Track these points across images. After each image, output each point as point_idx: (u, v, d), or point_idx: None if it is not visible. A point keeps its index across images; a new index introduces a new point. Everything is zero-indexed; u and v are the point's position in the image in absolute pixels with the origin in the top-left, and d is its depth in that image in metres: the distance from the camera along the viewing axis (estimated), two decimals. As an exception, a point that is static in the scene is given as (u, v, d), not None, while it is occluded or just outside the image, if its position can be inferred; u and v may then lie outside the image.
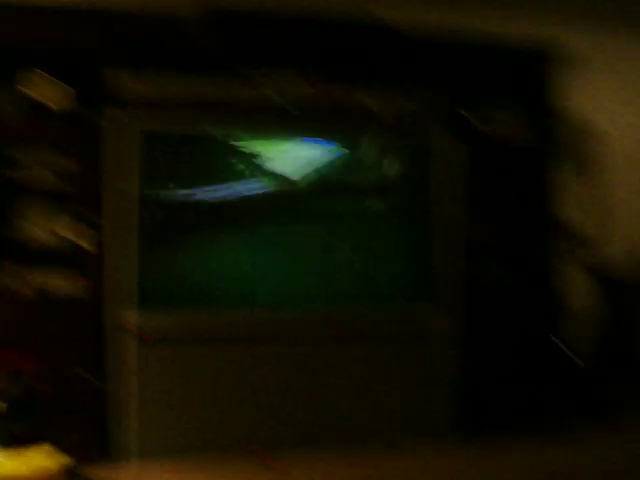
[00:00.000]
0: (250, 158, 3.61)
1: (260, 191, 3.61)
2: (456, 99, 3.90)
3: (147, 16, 3.48)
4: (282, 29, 3.65)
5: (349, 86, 3.73)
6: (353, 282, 3.76)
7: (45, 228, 3.29)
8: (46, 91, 3.29)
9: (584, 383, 4.19)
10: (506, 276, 3.98)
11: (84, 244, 3.32)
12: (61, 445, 2.96)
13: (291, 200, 3.69)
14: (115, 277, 3.33)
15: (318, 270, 3.70)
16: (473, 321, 3.83)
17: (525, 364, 3.97)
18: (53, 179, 3.31)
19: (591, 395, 4.18)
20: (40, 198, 3.29)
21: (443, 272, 3.78)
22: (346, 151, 3.82)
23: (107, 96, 3.36)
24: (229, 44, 3.53)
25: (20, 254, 3.25)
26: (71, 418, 3.25)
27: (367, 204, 3.81)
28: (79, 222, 3.33)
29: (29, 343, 3.21)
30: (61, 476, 2.77)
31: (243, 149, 3.61)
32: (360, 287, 3.76)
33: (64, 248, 3.31)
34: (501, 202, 4.03)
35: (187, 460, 3.29)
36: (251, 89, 3.56)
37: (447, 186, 3.83)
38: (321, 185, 3.72)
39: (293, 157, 3.70)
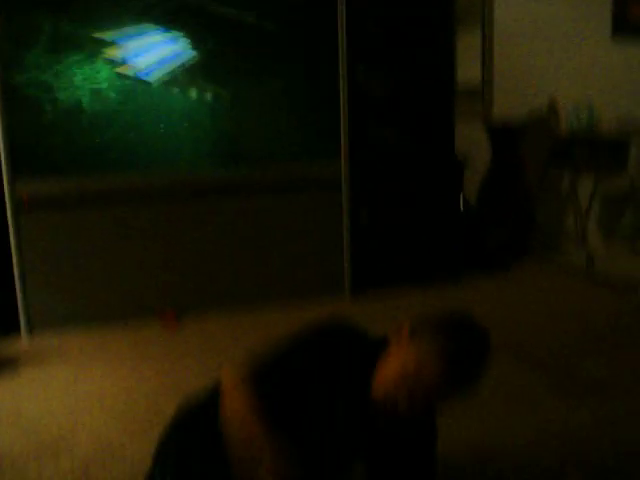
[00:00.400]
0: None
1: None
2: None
3: None
4: None
5: None
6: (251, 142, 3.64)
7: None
8: None
9: (473, 232, 4.34)
10: (402, 133, 3.96)
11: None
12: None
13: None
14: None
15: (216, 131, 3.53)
16: (368, 174, 3.86)
17: (418, 217, 4.03)
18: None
19: (479, 244, 4.34)
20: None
21: (341, 130, 3.68)
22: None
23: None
24: None
25: None
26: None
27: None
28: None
29: None
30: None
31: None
32: (259, 147, 3.65)
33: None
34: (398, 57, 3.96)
35: (94, 329, 3.24)
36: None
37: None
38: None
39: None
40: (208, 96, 3.44)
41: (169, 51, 3.33)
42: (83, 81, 3.21)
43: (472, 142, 4.50)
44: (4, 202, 3.12)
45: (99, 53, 3.20)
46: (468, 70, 4.77)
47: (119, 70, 3.24)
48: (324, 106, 3.66)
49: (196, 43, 3.37)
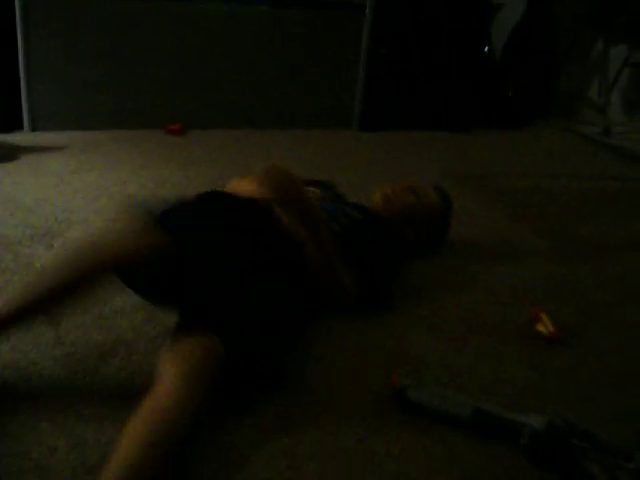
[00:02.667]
0: None
1: None
2: None
3: None
4: None
5: None
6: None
7: None
8: None
9: (493, 82, 4.22)
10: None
11: None
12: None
13: None
14: None
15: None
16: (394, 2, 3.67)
17: (438, 58, 3.88)
18: None
19: (498, 95, 4.25)
20: None
21: None
22: None
23: None
24: None
25: None
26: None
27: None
28: None
29: None
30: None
31: None
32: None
33: None
34: None
35: (97, 134, 3.20)
36: None
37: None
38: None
39: None
40: None
41: None
42: None
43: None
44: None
45: None
46: None
47: None
48: None
49: None
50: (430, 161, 3.36)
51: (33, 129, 3.17)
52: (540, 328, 1.73)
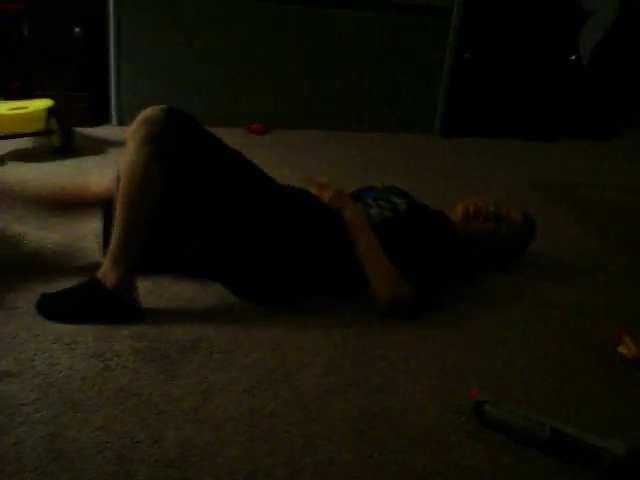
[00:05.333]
0: None
1: None
2: None
3: None
4: None
5: None
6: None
7: None
8: None
9: (580, 91, 4.10)
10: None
11: None
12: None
13: None
14: None
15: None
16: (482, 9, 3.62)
17: (524, 66, 3.81)
18: None
19: (585, 104, 4.15)
20: None
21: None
22: None
23: None
24: None
25: None
26: (71, 82, 3.15)
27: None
28: None
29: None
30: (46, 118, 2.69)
31: None
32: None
33: None
34: None
35: None
36: None
37: None
38: None
39: None
40: None
41: None
42: None
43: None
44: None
45: None
46: None
47: None
48: None
49: None
50: (512, 170, 3.29)
51: (120, 123, 3.26)
52: (623, 350, 1.66)
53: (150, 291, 1.69)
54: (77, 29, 3.07)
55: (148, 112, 1.59)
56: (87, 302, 1.55)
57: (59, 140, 2.74)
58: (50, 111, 2.69)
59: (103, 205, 1.76)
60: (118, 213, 1.54)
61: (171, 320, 1.58)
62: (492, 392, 1.41)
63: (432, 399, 1.40)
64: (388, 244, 1.73)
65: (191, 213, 1.69)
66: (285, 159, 3.01)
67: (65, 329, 1.49)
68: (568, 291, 2.03)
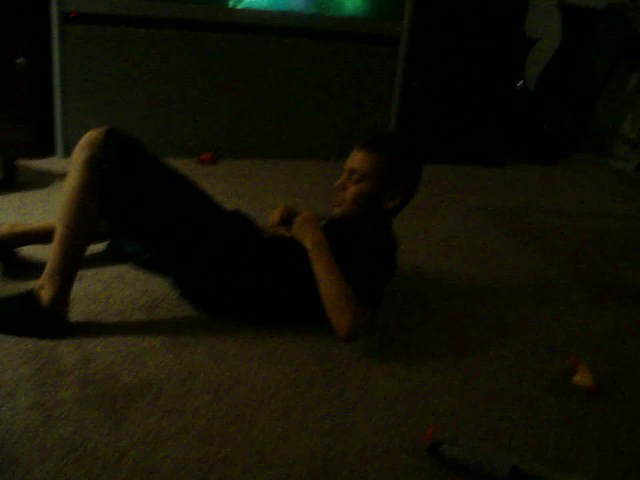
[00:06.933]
0: None
1: None
2: None
3: None
4: None
5: None
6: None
7: None
8: None
9: (527, 117, 4.19)
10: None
11: None
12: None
13: None
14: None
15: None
16: (428, 37, 3.67)
17: (472, 92, 3.85)
18: None
19: (531, 130, 4.21)
20: None
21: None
22: None
23: None
24: None
25: None
26: (14, 113, 3.07)
27: None
28: None
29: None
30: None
31: None
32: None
33: None
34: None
35: None
36: None
37: None
38: None
39: None
40: None
41: None
42: None
43: (543, 20, 4.23)
44: (49, 14, 3.00)
45: None
46: None
47: None
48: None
49: None
50: (462, 195, 3.32)
51: (66, 155, 3.16)
52: (578, 380, 1.67)
53: (96, 327, 1.64)
54: (20, 59, 3.00)
55: (89, 135, 1.62)
56: (18, 315, 1.59)
57: (2, 173, 2.66)
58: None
59: None
60: (57, 231, 1.58)
61: (118, 362, 1.52)
62: (449, 429, 1.40)
63: (388, 440, 1.38)
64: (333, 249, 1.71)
65: (138, 235, 1.74)
66: (232, 189, 2.99)
67: (4, 377, 1.42)
68: (527, 318, 2.03)
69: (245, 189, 3.01)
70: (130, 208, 1.63)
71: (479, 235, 2.77)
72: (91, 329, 1.65)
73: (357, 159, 1.84)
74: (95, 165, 1.57)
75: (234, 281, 1.72)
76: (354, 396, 1.51)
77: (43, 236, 1.91)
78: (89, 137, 1.61)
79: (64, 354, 1.52)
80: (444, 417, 1.47)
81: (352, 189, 1.84)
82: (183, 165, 3.17)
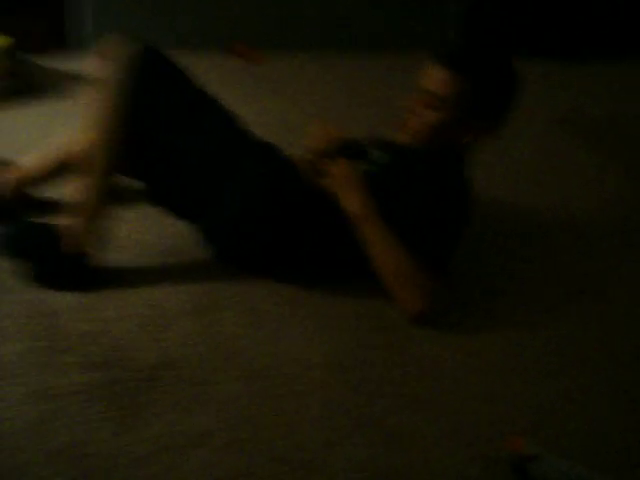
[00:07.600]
0: None
1: None
2: None
3: None
4: None
5: None
6: None
7: None
8: None
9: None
10: None
11: None
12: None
13: None
14: None
15: None
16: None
17: None
18: None
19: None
20: None
21: None
22: None
23: None
24: None
25: None
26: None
27: None
28: None
29: None
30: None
31: None
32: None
33: None
34: None
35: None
36: None
37: None
38: None
39: None
40: None
41: None
42: None
43: None
44: None
45: None
46: None
47: None
48: None
49: None
50: (544, 101, 2.85)
51: (82, 46, 2.88)
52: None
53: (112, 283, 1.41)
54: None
55: (120, 53, 1.38)
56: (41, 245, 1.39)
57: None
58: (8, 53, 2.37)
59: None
60: (88, 161, 1.40)
61: (134, 333, 1.28)
62: (538, 441, 1.12)
63: (456, 448, 1.12)
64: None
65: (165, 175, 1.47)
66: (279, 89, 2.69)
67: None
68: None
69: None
70: (160, 141, 1.41)
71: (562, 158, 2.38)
72: (105, 285, 1.41)
73: (439, 80, 1.44)
74: (131, 92, 1.38)
75: (270, 237, 1.43)
76: (419, 384, 1.24)
77: (55, 173, 1.66)
78: (126, 55, 1.38)
79: (70, 323, 1.28)
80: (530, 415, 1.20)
81: (430, 117, 1.45)
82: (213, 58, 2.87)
